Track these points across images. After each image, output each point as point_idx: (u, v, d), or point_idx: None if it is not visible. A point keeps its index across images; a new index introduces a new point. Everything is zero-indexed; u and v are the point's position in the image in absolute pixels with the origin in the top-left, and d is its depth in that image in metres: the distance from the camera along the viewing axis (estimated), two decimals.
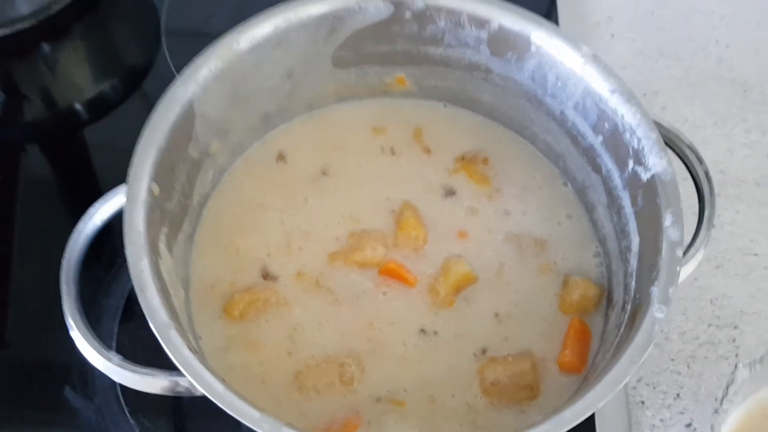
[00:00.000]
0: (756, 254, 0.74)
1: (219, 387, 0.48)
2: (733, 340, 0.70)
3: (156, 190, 0.55)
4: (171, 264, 0.57)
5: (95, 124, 0.82)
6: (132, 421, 0.64)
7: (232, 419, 0.49)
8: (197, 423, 0.68)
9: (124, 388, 0.65)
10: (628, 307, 0.56)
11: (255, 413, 0.46)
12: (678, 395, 0.68)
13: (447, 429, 0.56)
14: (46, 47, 0.88)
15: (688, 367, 0.69)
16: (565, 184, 0.68)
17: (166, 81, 0.60)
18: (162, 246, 0.55)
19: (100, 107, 0.83)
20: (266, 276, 0.62)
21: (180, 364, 0.48)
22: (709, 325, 0.73)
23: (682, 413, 0.69)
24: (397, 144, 0.68)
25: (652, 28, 0.93)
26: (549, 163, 0.69)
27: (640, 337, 0.50)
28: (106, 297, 0.72)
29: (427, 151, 0.69)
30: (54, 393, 0.66)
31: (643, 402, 0.70)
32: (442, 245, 0.64)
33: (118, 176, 0.56)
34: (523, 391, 0.58)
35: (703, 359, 0.70)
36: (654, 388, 0.69)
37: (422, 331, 0.60)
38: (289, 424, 0.46)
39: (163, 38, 0.87)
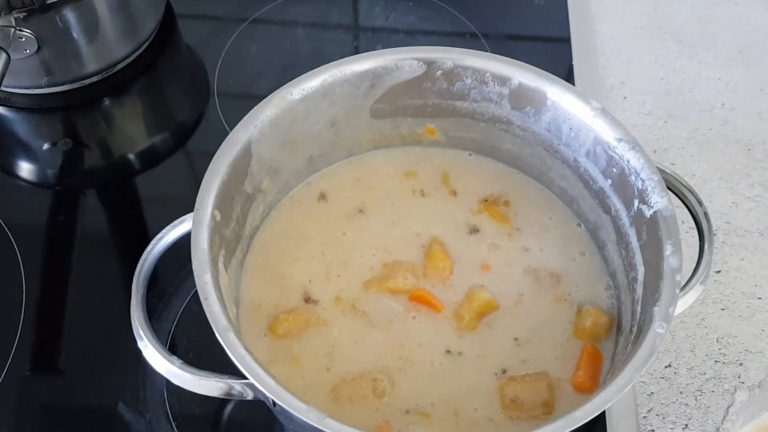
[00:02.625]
0: (760, 298, 0.77)
1: (271, 382, 0.51)
2: (738, 376, 0.72)
3: (218, 216, 0.59)
4: (227, 282, 0.60)
5: (145, 173, 0.86)
6: None
7: None
8: None
9: (172, 403, 0.69)
10: (635, 329, 0.59)
11: (302, 405, 0.50)
12: (686, 426, 0.70)
13: None
14: (107, 102, 0.92)
15: (696, 399, 0.71)
16: (579, 225, 0.71)
17: (212, 137, 0.65)
18: (221, 265, 0.59)
19: (151, 158, 0.87)
20: (308, 299, 0.65)
21: (238, 361, 0.51)
22: (716, 362, 0.73)
23: None
24: (427, 187, 0.72)
25: (661, 92, 0.98)
26: (564, 206, 0.71)
27: (643, 350, 0.53)
28: (158, 321, 0.76)
29: (454, 193, 0.72)
30: (107, 408, 0.68)
31: (653, 431, 0.73)
32: (466, 276, 0.66)
33: (165, 221, 0.60)
34: (539, 407, 0.60)
35: (710, 393, 0.71)
36: (663, 418, 0.70)
37: (448, 351, 0.63)
38: (330, 416, 0.49)
39: (215, 97, 0.93)
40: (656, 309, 0.55)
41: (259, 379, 0.51)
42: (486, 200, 0.71)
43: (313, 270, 0.66)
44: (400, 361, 0.62)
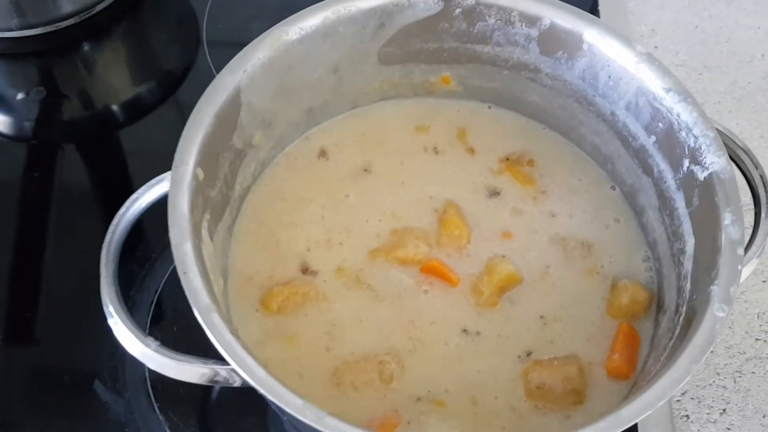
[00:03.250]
0: None
1: (261, 372, 0.46)
2: None
3: (201, 174, 0.54)
4: (212, 251, 0.56)
5: (130, 126, 0.83)
6: (161, 417, 0.63)
7: (261, 417, 0.47)
8: (226, 420, 0.66)
9: (154, 383, 0.66)
10: (683, 309, 0.55)
11: (298, 400, 0.45)
12: (724, 410, 0.67)
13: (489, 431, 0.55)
14: (86, 47, 0.89)
15: (735, 381, 0.68)
16: (613, 188, 0.67)
17: (202, 87, 0.60)
18: (204, 232, 0.55)
19: (136, 110, 0.83)
20: (305, 270, 0.61)
21: (222, 347, 0.47)
22: (756, 340, 0.71)
23: (728, 429, 0.67)
24: (441, 143, 0.68)
25: (695, 41, 0.92)
26: (596, 166, 0.67)
27: (700, 337, 0.48)
28: (140, 292, 0.71)
29: (471, 151, 0.68)
30: (84, 387, 0.65)
31: (687, 416, 0.68)
32: (486, 245, 0.63)
33: (151, 179, 0.56)
34: (569, 395, 0.57)
35: (750, 374, 0.68)
36: (699, 402, 0.67)
37: (464, 331, 0.59)
38: (332, 414, 0.45)
39: (204, 44, 0.87)
40: (714, 288, 0.50)
41: (247, 369, 0.46)
42: (507, 159, 0.67)
43: (311, 237, 0.62)
44: (410, 341, 0.58)
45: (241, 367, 0.46)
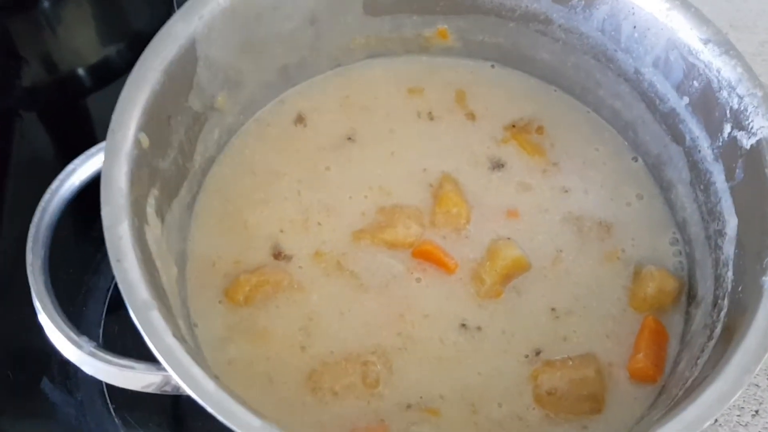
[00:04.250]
0: None
1: (209, 385, 0.41)
2: None
3: (145, 141, 0.49)
4: (161, 234, 0.52)
5: (98, 92, 0.79)
6: (117, 421, 0.60)
7: None
8: (191, 425, 0.62)
9: None
10: (724, 303, 0.51)
11: (255, 421, 0.40)
12: (757, 412, 0.64)
13: None
14: (46, 4, 0.83)
15: None
16: (635, 159, 0.64)
17: None
18: (150, 210, 0.50)
19: (104, 74, 0.80)
20: (278, 255, 0.58)
21: (160, 353, 0.42)
22: None
23: None
24: (436, 108, 0.64)
25: None
26: (616, 134, 0.64)
27: (752, 340, 0.44)
28: (96, 276, 0.67)
29: (471, 117, 0.64)
30: (30, 386, 0.63)
31: (716, 420, 0.62)
32: (488, 225, 0.60)
33: None
34: (585, 402, 0.53)
35: None
36: None
37: (463, 325, 0.56)
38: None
39: (175, 2, 0.81)
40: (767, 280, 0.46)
41: (190, 381, 0.41)
42: (513, 126, 0.64)
43: (285, 216, 0.59)
44: (399, 338, 0.55)
45: (181, 377, 0.41)
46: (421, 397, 0.53)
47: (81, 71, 0.79)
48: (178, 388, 0.45)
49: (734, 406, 0.64)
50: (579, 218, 0.60)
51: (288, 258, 0.58)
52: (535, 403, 0.53)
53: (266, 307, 0.56)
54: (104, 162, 0.47)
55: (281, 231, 0.59)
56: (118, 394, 0.60)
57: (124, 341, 0.60)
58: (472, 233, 0.59)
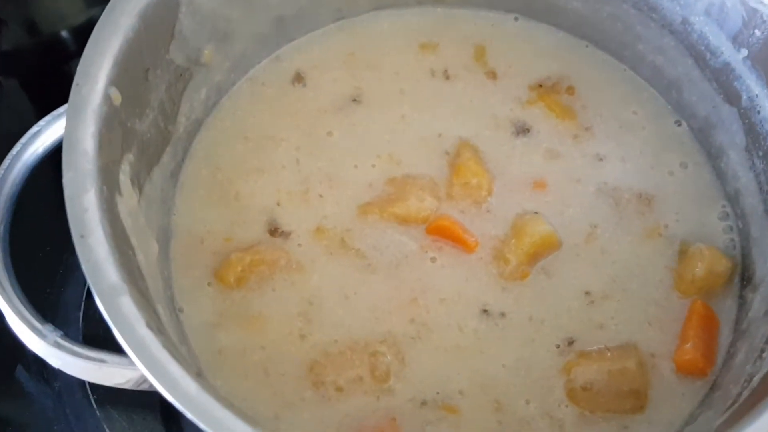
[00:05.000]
0: None
1: (189, 386, 0.36)
2: None
3: (117, 97, 0.45)
4: (138, 206, 0.48)
5: None
6: (99, 413, 0.58)
7: None
8: (190, 421, 0.59)
9: None
10: None
11: (246, 429, 0.35)
12: None
13: None
14: None
15: None
16: (678, 123, 0.61)
17: None
18: (124, 179, 0.46)
19: (89, 37, 0.79)
20: (274, 231, 0.56)
21: (130, 346, 0.37)
22: None
23: None
24: (453, 66, 0.61)
25: None
26: (656, 95, 0.61)
27: None
28: (75, 255, 0.66)
29: (492, 75, 0.61)
30: (3, 374, 0.61)
31: None
32: (512, 198, 0.57)
33: None
34: (625, 399, 0.50)
35: None
36: None
37: (484, 311, 0.54)
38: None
39: None
40: None
41: (167, 381, 0.36)
42: (540, 86, 0.61)
43: (282, 187, 0.57)
44: (412, 325, 0.53)
45: (155, 374, 0.36)
46: (437, 393, 0.51)
47: (65, 34, 0.77)
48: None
49: None
50: (615, 189, 0.58)
51: (285, 234, 0.55)
52: (568, 400, 0.50)
53: (261, 289, 0.54)
54: (67, 121, 0.42)
55: (278, 204, 0.56)
56: (100, 384, 0.55)
57: (108, 328, 0.58)
58: (494, 207, 0.57)
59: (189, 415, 0.34)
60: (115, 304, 0.38)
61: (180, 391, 0.36)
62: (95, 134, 0.42)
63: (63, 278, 0.62)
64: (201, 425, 0.34)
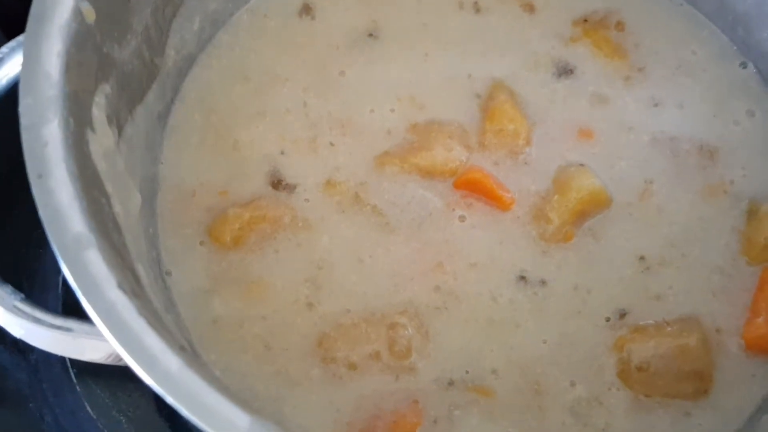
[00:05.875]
0: None
1: (171, 362, 0.31)
2: None
3: (89, 14, 0.40)
4: (115, 147, 0.43)
5: None
6: (79, 389, 0.55)
7: None
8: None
9: None
10: None
11: (242, 416, 0.30)
12: None
13: None
14: None
15: None
16: (744, 65, 0.57)
17: None
18: (98, 113, 0.41)
19: None
20: (277, 184, 0.52)
21: (96, 311, 0.31)
22: None
23: None
24: None
25: None
26: (719, 32, 0.57)
27: None
28: None
29: (530, 8, 0.58)
30: None
31: None
32: (554, 148, 0.53)
33: None
34: (686, 381, 0.47)
35: None
36: None
37: (522, 278, 0.50)
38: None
39: None
40: None
41: (141, 357, 0.30)
42: (585, 20, 0.58)
43: (287, 134, 0.53)
44: (437, 294, 0.49)
45: (128, 349, 0.31)
46: (466, 372, 0.47)
47: None
48: None
49: None
50: (673, 140, 0.54)
51: (290, 188, 0.52)
52: (620, 382, 0.47)
53: (262, 251, 0.50)
54: (26, 35, 0.36)
55: (282, 153, 0.53)
56: None
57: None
58: (533, 158, 0.53)
59: (169, 399, 0.28)
60: (79, 258, 0.33)
61: (158, 368, 0.30)
62: (61, 53, 0.37)
63: (41, 237, 0.59)
64: (183, 412, 0.28)
